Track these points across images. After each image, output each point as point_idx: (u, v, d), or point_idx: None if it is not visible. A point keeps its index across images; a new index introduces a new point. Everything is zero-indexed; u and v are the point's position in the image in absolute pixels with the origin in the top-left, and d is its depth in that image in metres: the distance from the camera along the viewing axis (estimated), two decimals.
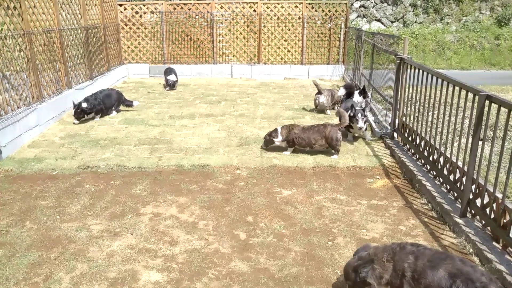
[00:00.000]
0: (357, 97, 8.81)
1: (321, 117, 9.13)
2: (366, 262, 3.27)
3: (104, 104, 8.97)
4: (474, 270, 2.99)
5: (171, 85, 11.99)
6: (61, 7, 9.30)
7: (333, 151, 6.74)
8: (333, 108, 9.54)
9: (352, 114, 7.23)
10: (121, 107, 9.57)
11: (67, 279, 3.74)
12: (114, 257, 4.06)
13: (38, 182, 5.73)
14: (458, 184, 4.74)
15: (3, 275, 3.78)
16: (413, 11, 19.75)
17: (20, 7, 7.55)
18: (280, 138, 6.81)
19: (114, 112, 9.31)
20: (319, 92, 9.33)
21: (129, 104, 9.60)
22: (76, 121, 8.51)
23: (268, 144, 6.96)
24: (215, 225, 4.65)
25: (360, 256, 3.38)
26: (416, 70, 6.24)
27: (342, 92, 9.36)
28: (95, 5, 11.47)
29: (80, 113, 8.50)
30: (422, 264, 3.09)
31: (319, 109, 9.51)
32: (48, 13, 8.71)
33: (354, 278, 3.31)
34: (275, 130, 6.88)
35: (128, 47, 14.11)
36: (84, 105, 8.52)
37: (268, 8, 13.87)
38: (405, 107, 6.83)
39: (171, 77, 12.06)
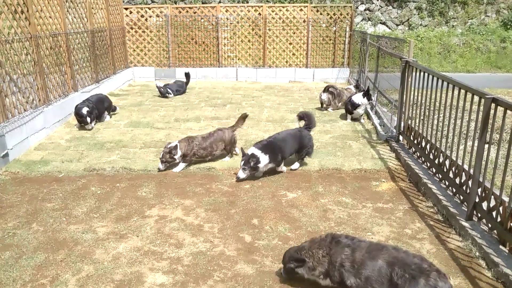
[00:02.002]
0: (360, 99, 8.81)
1: (327, 120, 9.13)
2: (299, 259, 3.53)
3: (98, 109, 8.59)
4: (407, 255, 3.26)
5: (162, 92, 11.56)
6: (67, 10, 9.38)
7: (228, 154, 6.72)
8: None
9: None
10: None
11: (73, 281, 3.75)
12: (120, 259, 4.08)
13: (45, 185, 5.77)
14: (464, 187, 4.72)
15: (10, 277, 3.81)
16: (418, 14, 19.71)
17: (28, 11, 7.62)
18: (179, 153, 6.16)
19: (108, 117, 9.14)
20: (323, 91, 10.01)
21: (113, 108, 9.44)
22: (90, 126, 8.26)
23: (169, 162, 6.22)
24: (220, 228, 4.66)
25: (300, 246, 3.63)
26: (422, 73, 6.23)
27: (353, 90, 10.25)
28: (101, 8, 11.55)
29: (87, 117, 8.14)
30: (361, 255, 3.32)
31: (325, 107, 10.11)
32: (55, 16, 8.78)
33: (288, 266, 3.62)
34: (175, 146, 6.14)
35: (134, 50, 14.19)
36: (86, 109, 8.14)
37: (273, 11, 13.91)
38: (411, 110, 6.82)
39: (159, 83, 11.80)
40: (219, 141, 6.56)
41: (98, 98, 8.85)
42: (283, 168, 6.17)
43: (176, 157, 6.18)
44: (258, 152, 5.73)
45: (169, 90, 11.51)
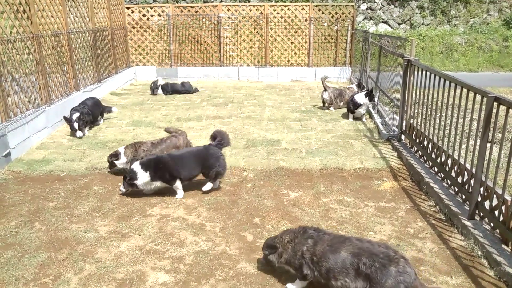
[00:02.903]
0: (362, 99, 8.80)
1: (329, 118, 9.13)
2: (271, 246, 3.68)
3: (93, 114, 8.24)
4: (372, 244, 3.33)
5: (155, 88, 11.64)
6: (69, 10, 9.39)
7: None
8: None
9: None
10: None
11: (75, 280, 3.76)
12: (122, 258, 4.08)
13: (47, 184, 5.77)
14: (466, 187, 4.72)
15: (12, 275, 3.81)
16: (420, 13, 19.68)
17: (29, 10, 7.63)
18: (124, 159, 5.99)
19: (101, 120, 8.84)
20: (325, 89, 9.91)
21: (108, 110, 9.04)
22: (81, 133, 7.73)
23: (111, 167, 6.07)
24: (222, 227, 4.66)
25: (276, 235, 3.78)
26: (424, 72, 6.22)
27: (355, 89, 10.27)
28: (103, 8, 11.55)
29: (83, 124, 7.80)
30: (322, 248, 3.41)
31: (327, 106, 10.06)
32: (57, 16, 8.79)
33: (263, 252, 3.78)
34: (116, 153, 6.01)
35: (136, 49, 14.19)
36: (77, 114, 7.72)
37: (274, 10, 13.90)
38: (413, 109, 6.81)
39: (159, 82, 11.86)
40: (172, 148, 6.16)
41: (94, 102, 8.48)
42: (178, 191, 5.42)
43: (118, 163, 5.97)
44: (137, 168, 5.26)
45: (162, 88, 11.68)
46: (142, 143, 6.23)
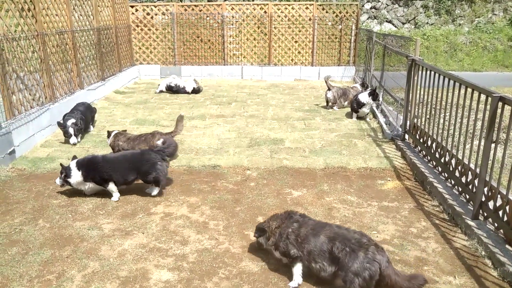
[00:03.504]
0: (366, 98, 8.78)
1: (332, 118, 9.12)
2: (261, 229, 3.88)
3: (86, 120, 7.84)
4: (348, 231, 3.52)
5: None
6: (73, 8, 9.41)
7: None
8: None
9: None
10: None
11: (79, 277, 3.78)
12: (126, 256, 4.10)
13: (51, 181, 5.79)
14: (470, 186, 4.70)
15: (17, 272, 3.83)
16: (424, 12, 19.61)
17: (34, 8, 7.65)
18: (108, 141, 6.49)
19: (92, 127, 8.29)
20: (329, 89, 9.91)
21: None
22: (75, 140, 7.31)
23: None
24: (225, 225, 4.67)
25: (265, 220, 3.95)
26: (428, 72, 6.20)
27: (359, 88, 10.18)
28: (107, 6, 11.58)
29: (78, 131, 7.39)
30: (305, 231, 3.61)
31: (331, 105, 10.03)
32: (61, 14, 8.82)
33: (254, 235, 3.96)
34: (109, 134, 6.55)
35: (140, 48, 14.22)
36: (72, 120, 7.33)
37: (278, 9, 13.89)
38: (417, 109, 6.79)
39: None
40: (146, 145, 6.30)
41: (86, 107, 8.10)
42: (113, 194, 5.30)
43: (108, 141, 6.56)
44: (73, 166, 5.20)
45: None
46: (123, 134, 6.56)
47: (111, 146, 6.56)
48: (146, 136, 6.50)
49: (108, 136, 6.62)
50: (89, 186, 5.29)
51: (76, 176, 5.18)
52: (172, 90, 11.68)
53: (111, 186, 5.27)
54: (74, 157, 5.44)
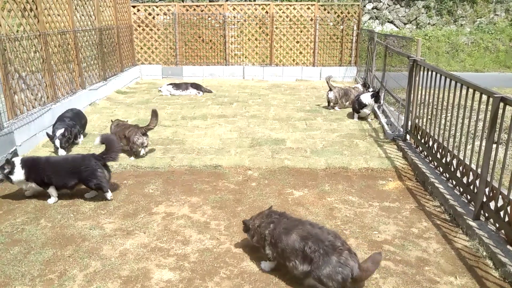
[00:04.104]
0: (368, 99, 8.78)
1: (334, 118, 9.12)
2: (245, 225, 4.01)
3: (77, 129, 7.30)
4: (322, 231, 3.50)
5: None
6: (75, 8, 9.43)
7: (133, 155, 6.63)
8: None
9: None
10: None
11: (81, 276, 3.79)
12: (127, 256, 4.11)
13: None
14: (471, 187, 4.70)
15: (19, 271, 3.85)
16: (426, 12, 19.60)
17: (36, 8, 7.67)
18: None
19: (81, 137, 7.56)
20: (330, 89, 9.91)
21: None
22: (63, 152, 6.67)
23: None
24: (227, 225, 4.67)
25: (252, 218, 4.02)
26: (429, 72, 6.21)
27: (361, 89, 10.25)
28: (109, 6, 11.60)
29: (67, 142, 6.80)
30: (278, 231, 3.64)
31: (332, 105, 10.04)
32: (63, 14, 8.84)
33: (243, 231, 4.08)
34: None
35: (141, 48, 14.24)
36: (61, 131, 6.80)
37: (280, 9, 13.90)
38: (418, 109, 6.79)
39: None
40: (118, 134, 6.63)
41: (76, 114, 7.56)
42: (52, 197, 5.21)
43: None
44: (18, 163, 5.08)
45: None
46: (118, 123, 7.06)
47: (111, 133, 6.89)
48: (131, 129, 6.64)
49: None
50: (31, 186, 5.18)
51: (19, 174, 5.07)
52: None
53: (51, 190, 5.19)
54: (28, 156, 5.35)
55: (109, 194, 5.26)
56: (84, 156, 5.33)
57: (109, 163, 5.41)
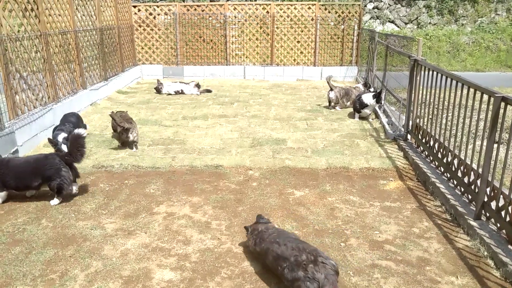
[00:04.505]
0: (370, 100, 8.78)
1: (334, 118, 9.12)
2: (246, 229, 4.17)
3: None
4: (287, 248, 3.55)
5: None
6: (76, 8, 9.44)
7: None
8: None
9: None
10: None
11: (82, 276, 3.79)
12: (128, 256, 4.11)
13: None
14: (472, 187, 4.70)
15: (20, 271, 3.85)
16: (427, 12, 19.58)
17: (37, 9, 7.68)
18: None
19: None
20: (331, 89, 9.89)
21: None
22: None
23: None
24: (228, 225, 4.68)
25: (249, 229, 4.12)
26: (430, 72, 6.20)
27: (362, 88, 10.26)
28: (110, 6, 11.60)
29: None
30: (261, 247, 3.80)
31: (333, 105, 10.03)
32: (64, 14, 8.84)
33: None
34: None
35: (142, 48, 14.24)
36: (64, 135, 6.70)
37: (281, 9, 13.89)
38: (419, 109, 6.79)
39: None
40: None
41: (77, 119, 7.39)
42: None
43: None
44: None
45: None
46: (121, 114, 7.36)
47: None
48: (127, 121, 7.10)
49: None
50: None
51: None
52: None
53: (2, 193, 5.12)
54: None
55: (57, 201, 5.13)
56: (47, 155, 5.25)
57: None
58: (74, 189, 5.31)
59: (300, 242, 3.67)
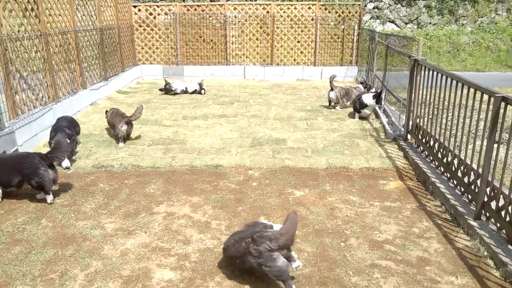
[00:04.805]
0: (370, 100, 8.77)
1: (335, 118, 9.12)
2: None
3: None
4: (244, 232, 3.73)
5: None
6: (76, 8, 9.44)
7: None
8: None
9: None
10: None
11: (81, 276, 3.79)
12: (128, 255, 4.11)
13: None
14: (472, 187, 4.70)
15: (20, 271, 3.85)
16: (427, 12, 19.58)
17: (37, 8, 7.68)
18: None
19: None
20: (331, 89, 9.91)
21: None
22: (68, 163, 5.85)
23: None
24: (227, 225, 4.68)
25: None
26: (430, 72, 6.20)
27: (362, 88, 10.30)
28: (110, 6, 11.60)
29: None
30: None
31: (333, 105, 10.04)
32: (64, 14, 8.84)
33: None
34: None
35: (142, 48, 14.24)
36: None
37: (281, 9, 13.89)
38: (419, 109, 6.79)
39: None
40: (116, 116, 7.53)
41: (70, 123, 6.94)
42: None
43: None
44: None
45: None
46: (113, 111, 7.81)
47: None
48: (121, 115, 7.51)
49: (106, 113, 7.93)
50: None
51: None
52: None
53: None
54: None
55: (49, 197, 5.14)
56: (29, 153, 5.29)
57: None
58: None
59: (239, 232, 3.85)
